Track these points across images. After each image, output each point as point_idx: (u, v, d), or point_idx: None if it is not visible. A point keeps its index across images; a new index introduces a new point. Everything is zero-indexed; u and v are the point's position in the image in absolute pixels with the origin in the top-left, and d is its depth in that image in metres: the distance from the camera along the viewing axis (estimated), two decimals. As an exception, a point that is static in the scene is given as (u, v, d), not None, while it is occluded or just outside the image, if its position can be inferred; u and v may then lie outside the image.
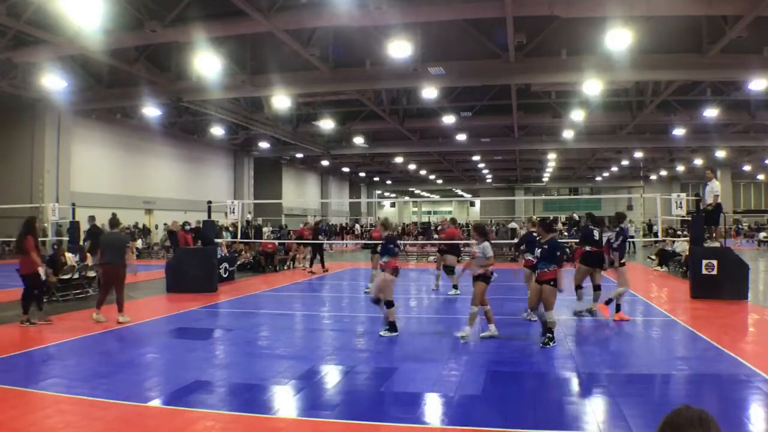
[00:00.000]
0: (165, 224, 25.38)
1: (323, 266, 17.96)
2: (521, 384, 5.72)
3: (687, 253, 13.53)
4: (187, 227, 19.35)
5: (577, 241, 10.03)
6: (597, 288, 9.44)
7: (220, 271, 14.20)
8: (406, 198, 68.04)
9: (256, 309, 10.60)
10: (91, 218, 14.11)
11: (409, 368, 6.23)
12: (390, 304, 7.69)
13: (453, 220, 14.32)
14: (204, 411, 4.85)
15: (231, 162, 34.91)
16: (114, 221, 9.90)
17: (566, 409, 4.93)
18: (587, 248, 9.46)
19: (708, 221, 12.22)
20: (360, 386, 5.76)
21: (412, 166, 42.77)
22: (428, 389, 5.46)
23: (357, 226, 41.28)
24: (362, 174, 50.27)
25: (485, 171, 46.25)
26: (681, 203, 11.88)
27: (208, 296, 12.12)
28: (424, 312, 10.77)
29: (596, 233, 9.45)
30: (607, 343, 7.34)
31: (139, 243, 25.44)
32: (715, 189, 11.85)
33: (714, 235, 12.77)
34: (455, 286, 12.03)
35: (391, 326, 7.73)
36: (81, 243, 14.40)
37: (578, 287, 9.59)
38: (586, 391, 5.48)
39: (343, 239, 34.44)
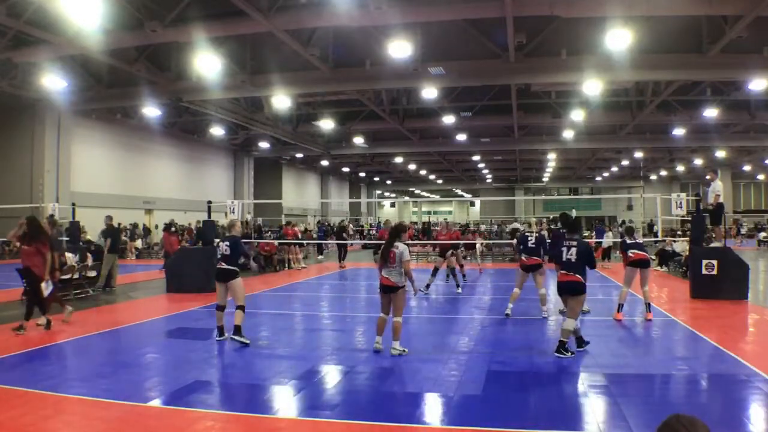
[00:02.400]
0: (165, 223, 25.32)
1: (341, 262, 19.95)
2: (521, 384, 5.72)
3: (687, 253, 13.54)
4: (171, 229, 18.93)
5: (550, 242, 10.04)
6: None
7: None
8: (406, 198, 68.04)
9: (256, 309, 10.58)
10: (108, 218, 14.22)
11: (409, 368, 6.23)
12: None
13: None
14: (204, 411, 4.85)
15: (231, 162, 34.90)
16: (53, 221, 9.69)
17: (566, 409, 4.93)
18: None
19: (712, 221, 12.23)
20: (360, 386, 5.76)
21: (412, 166, 42.75)
22: (428, 389, 5.46)
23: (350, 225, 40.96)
24: (362, 174, 50.25)
25: (485, 171, 46.23)
26: (681, 203, 11.89)
27: (208, 296, 12.10)
28: (423, 312, 10.76)
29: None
30: (607, 343, 7.34)
31: (138, 243, 25.43)
32: (717, 188, 11.87)
33: (714, 235, 12.77)
34: (427, 286, 12.50)
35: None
36: (97, 242, 14.50)
37: None
38: (586, 391, 5.48)
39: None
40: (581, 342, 6.96)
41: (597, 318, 9.29)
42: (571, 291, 6.84)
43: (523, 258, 9.25)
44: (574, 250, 6.87)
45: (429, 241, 13.10)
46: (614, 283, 13.86)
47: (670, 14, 12.56)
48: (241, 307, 7.56)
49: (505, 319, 9.23)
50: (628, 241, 9.25)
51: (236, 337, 7.44)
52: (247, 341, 7.43)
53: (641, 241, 9.46)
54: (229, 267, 7.59)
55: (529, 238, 9.30)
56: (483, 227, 31.48)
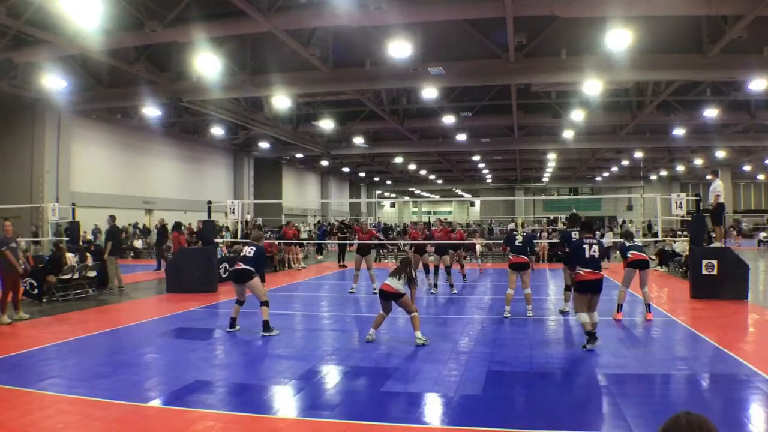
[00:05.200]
0: (159, 221, 25.25)
1: (342, 261, 19.94)
2: (521, 384, 5.72)
3: (687, 253, 13.54)
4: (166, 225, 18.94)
5: (557, 242, 10.23)
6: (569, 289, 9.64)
7: (220, 271, 14.21)
8: (406, 198, 68.01)
9: (256, 309, 10.55)
10: (111, 218, 14.28)
11: (409, 368, 6.24)
12: None
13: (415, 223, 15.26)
14: (204, 411, 4.85)
15: (231, 162, 34.89)
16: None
17: (566, 409, 4.93)
18: (567, 250, 9.57)
19: (712, 221, 12.23)
20: (360, 386, 5.76)
21: (412, 166, 42.74)
22: (428, 389, 5.46)
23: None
24: (362, 174, 50.24)
25: (485, 171, 46.23)
26: (681, 203, 11.89)
27: (208, 296, 12.13)
28: (422, 312, 10.76)
29: (575, 235, 9.52)
30: (607, 343, 7.33)
31: (138, 243, 25.41)
32: (717, 189, 11.86)
33: (714, 235, 12.78)
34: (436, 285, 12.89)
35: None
36: (99, 243, 14.59)
37: (567, 288, 9.68)
38: (586, 391, 5.48)
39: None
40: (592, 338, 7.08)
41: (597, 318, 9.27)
42: (600, 289, 7.13)
43: (510, 257, 9.44)
44: (596, 248, 7.13)
45: (429, 242, 13.07)
46: (614, 283, 13.83)
47: (670, 14, 12.56)
48: (266, 303, 8.11)
49: (505, 318, 9.24)
50: (627, 244, 9.30)
51: (266, 333, 7.94)
52: (277, 332, 8.00)
53: (640, 244, 9.52)
54: (247, 267, 8.08)
55: (516, 237, 9.43)
56: (475, 228, 31.39)
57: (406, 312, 7.53)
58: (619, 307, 9.10)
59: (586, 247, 7.09)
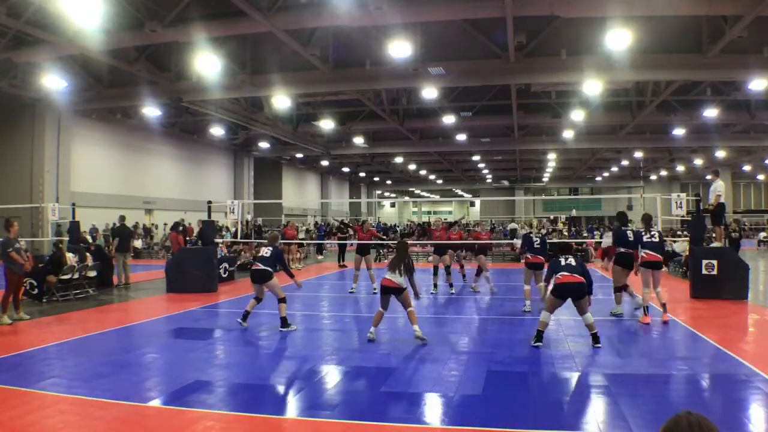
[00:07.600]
0: (165, 224, 25.32)
1: (342, 261, 19.89)
2: (521, 384, 5.72)
3: (687, 253, 13.53)
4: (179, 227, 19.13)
5: (611, 242, 10.52)
6: (625, 287, 9.59)
7: (220, 271, 14.21)
8: (406, 198, 68.00)
9: (256, 309, 10.58)
10: (121, 218, 14.56)
11: (409, 368, 6.24)
12: None
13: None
14: (204, 411, 4.85)
15: (231, 162, 34.88)
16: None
17: (566, 409, 4.93)
18: (621, 249, 9.41)
19: (713, 221, 12.22)
20: (360, 386, 5.76)
21: (412, 166, 42.74)
22: (428, 389, 5.46)
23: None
24: (362, 174, 50.22)
25: (485, 171, 46.22)
26: (681, 203, 11.89)
27: (208, 296, 12.13)
28: (422, 312, 10.76)
29: (629, 234, 9.34)
30: (608, 343, 7.33)
31: (138, 243, 25.40)
32: (719, 189, 11.85)
33: (714, 235, 12.77)
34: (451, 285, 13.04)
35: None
36: (99, 243, 14.81)
37: (618, 290, 9.54)
38: (586, 391, 5.48)
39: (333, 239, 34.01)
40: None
41: (596, 318, 9.26)
42: (582, 295, 7.21)
43: (528, 257, 9.96)
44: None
45: (429, 241, 13.10)
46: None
47: (670, 14, 12.55)
48: (283, 299, 8.40)
49: (505, 318, 9.26)
50: (644, 238, 8.79)
51: (283, 329, 8.19)
52: (294, 327, 8.31)
53: (657, 238, 8.80)
54: (266, 267, 8.33)
55: (535, 240, 10.04)
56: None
57: (403, 307, 7.56)
58: (646, 309, 8.78)
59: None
